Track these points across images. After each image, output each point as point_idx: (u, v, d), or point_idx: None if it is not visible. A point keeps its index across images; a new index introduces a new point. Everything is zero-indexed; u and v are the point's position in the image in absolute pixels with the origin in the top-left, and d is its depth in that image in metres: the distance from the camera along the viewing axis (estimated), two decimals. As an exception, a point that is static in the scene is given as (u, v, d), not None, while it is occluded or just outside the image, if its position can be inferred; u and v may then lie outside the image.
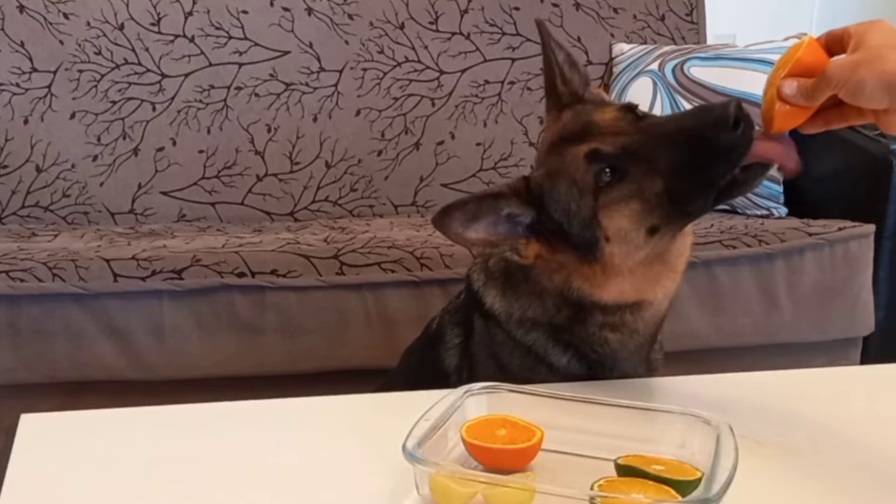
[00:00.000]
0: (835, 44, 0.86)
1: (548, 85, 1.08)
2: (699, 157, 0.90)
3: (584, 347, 1.06)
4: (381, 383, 1.35)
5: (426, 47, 2.36)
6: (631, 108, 0.99)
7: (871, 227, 1.96)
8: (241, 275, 1.68)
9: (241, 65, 2.27)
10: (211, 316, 1.67)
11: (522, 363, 1.09)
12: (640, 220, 0.95)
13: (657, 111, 2.22)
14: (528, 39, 2.38)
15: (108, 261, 1.66)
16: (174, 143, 2.23)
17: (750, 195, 2.13)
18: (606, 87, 2.39)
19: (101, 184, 2.19)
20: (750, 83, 2.18)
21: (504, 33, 2.39)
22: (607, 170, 0.94)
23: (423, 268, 1.74)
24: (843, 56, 0.84)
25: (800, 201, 2.19)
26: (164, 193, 2.22)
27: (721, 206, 2.31)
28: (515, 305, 1.07)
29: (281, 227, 2.12)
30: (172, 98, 2.23)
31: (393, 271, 1.73)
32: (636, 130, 0.96)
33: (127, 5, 2.22)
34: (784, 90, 0.86)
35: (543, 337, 1.07)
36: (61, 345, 1.63)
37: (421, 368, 1.27)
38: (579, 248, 0.98)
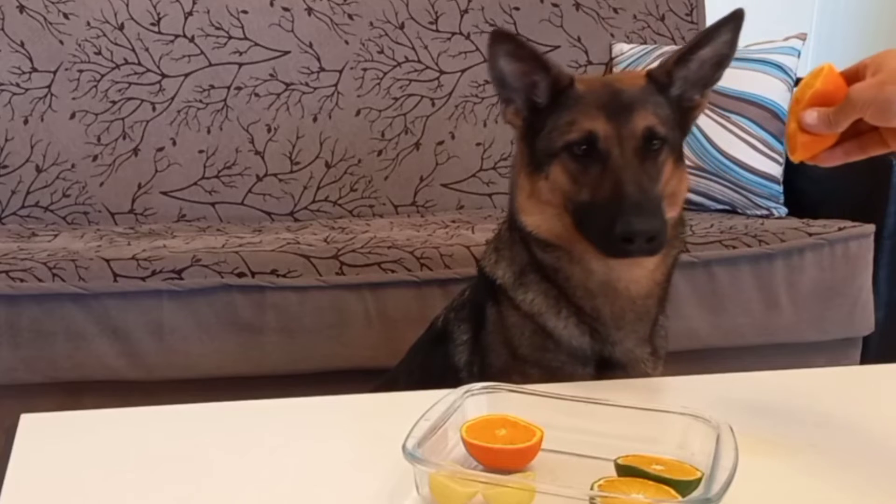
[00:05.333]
0: (851, 77, 0.86)
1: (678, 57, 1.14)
2: (600, 214, 1.03)
3: (571, 305, 1.11)
4: (383, 380, 1.36)
5: (426, 47, 2.36)
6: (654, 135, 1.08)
7: (871, 227, 1.96)
8: (241, 275, 1.68)
9: (241, 65, 2.27)
10: (211, 316, 1.67)
11: (532, 342, 1.13)
12: (559, 187, 1.08)
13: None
14: (529, 39, 2.37)
15: (108, 261, 1.66)
16: (174, 143, 2.23)
17: (750, 195, 2.14)
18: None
19: (101, 184, 2.19)
20: (750, 83, 2.18)
21: (504, 33, 2.39)
22: (586, 149, 1.06)
23: (423, 268, 1.74)
24: (863, 81, 0.84)
25: (800, 201, 2.19)
26: (164, 193, 2.22)
27: (721, 206, 2.32)
28: (515, 260, 1.15)
29: (281, 227, 2.12)
30: (172, 98, 2.23)
31: (393, 271, 1.73)
32: (632, 154, 1.05)
33: (127, 5, 2.23)
34: (806, 120, 0.87)
35: (540, 296, 1.13)
36: (61, 345, 1.63)
37: (427, 366, 1.28)
38: (534, 158, 1.11)
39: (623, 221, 0.99)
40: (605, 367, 1.12)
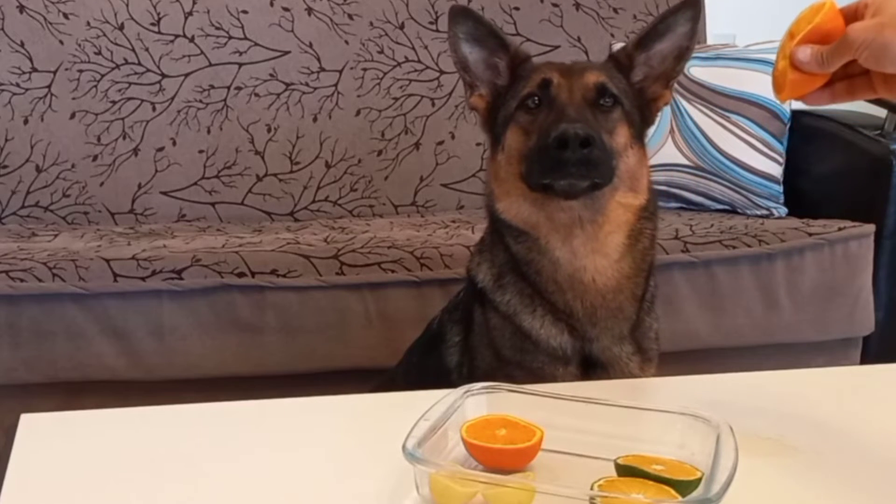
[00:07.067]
0: (849, 16, 0.84)
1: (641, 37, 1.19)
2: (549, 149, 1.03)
3: (545, 303, 1.12)
4: (380, 381, 1.36)
5: (426, 47, 2.36)
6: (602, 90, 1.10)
7: (871, 227, 1.96)
8: (241, 275, 1.68)
9: (241, 65, 2.27)
10: (211, 316, 1.67)
11: (513, 343, 1.14)
12: (514, 150, 1.09)
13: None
14: (528, 39, 2.37)
15: (108, 261, 1.66)
16: (174, 143, 2.23)
17: (750, 195, 2.14)
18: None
19: (101, 184, 2.19)
20: (750, 83, 2.18)
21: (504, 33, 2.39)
22: (538, 101, 1.08)
23: (423, 268, 1.74)
24: (862, 21, 0.81)
25: (800, 201, 2.19)
26: (164, 193, 2.22)
27: (721, 206, 2.31)
28: (495, 262, 1.17)
29: (281, 227, 2.12)
30: (172, 98, 2.23)
31: (393, 271, 1.73)
32: (576, 101, 1.08)
33: (127, 5, 2.23)
34: (798, 56, 0.84)
35: (516, 296, 1.14)
36: (61, 345, 1.63)
37: (422, 366, 1.29)
38: (495, 138, 1.14)
39: (557, 129, 1.00)
40: (588, 366, 1.13)
